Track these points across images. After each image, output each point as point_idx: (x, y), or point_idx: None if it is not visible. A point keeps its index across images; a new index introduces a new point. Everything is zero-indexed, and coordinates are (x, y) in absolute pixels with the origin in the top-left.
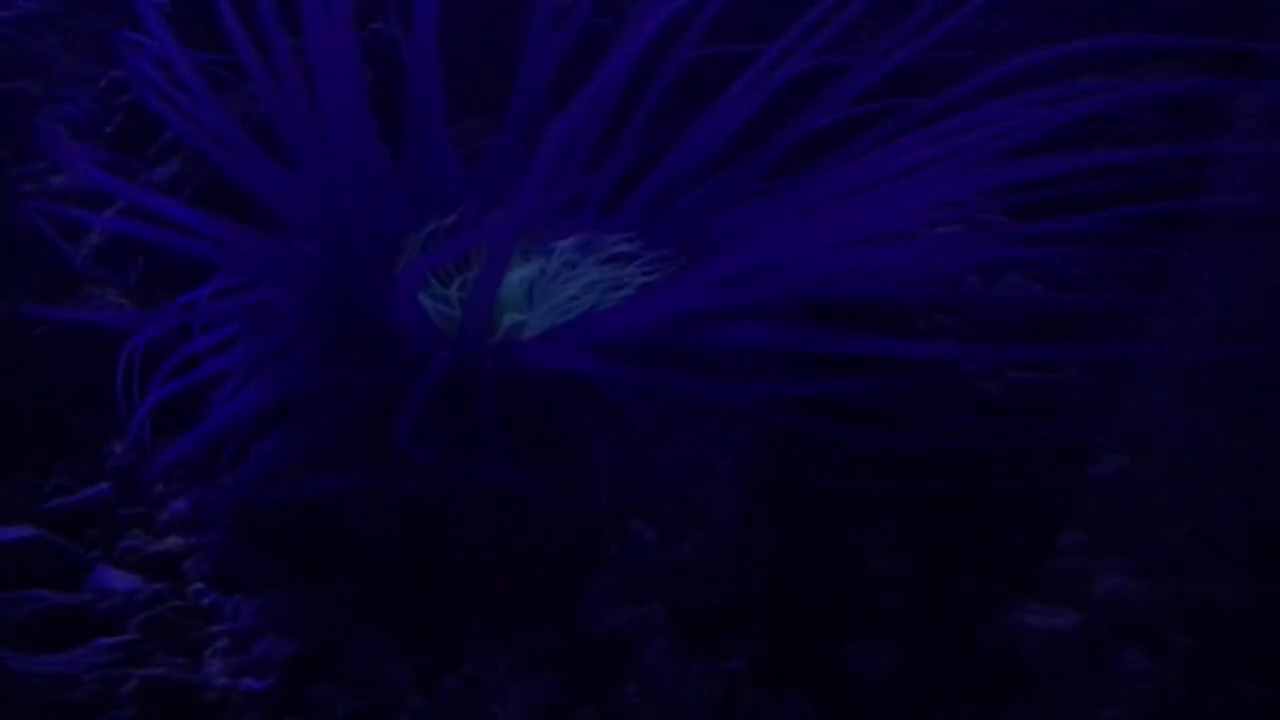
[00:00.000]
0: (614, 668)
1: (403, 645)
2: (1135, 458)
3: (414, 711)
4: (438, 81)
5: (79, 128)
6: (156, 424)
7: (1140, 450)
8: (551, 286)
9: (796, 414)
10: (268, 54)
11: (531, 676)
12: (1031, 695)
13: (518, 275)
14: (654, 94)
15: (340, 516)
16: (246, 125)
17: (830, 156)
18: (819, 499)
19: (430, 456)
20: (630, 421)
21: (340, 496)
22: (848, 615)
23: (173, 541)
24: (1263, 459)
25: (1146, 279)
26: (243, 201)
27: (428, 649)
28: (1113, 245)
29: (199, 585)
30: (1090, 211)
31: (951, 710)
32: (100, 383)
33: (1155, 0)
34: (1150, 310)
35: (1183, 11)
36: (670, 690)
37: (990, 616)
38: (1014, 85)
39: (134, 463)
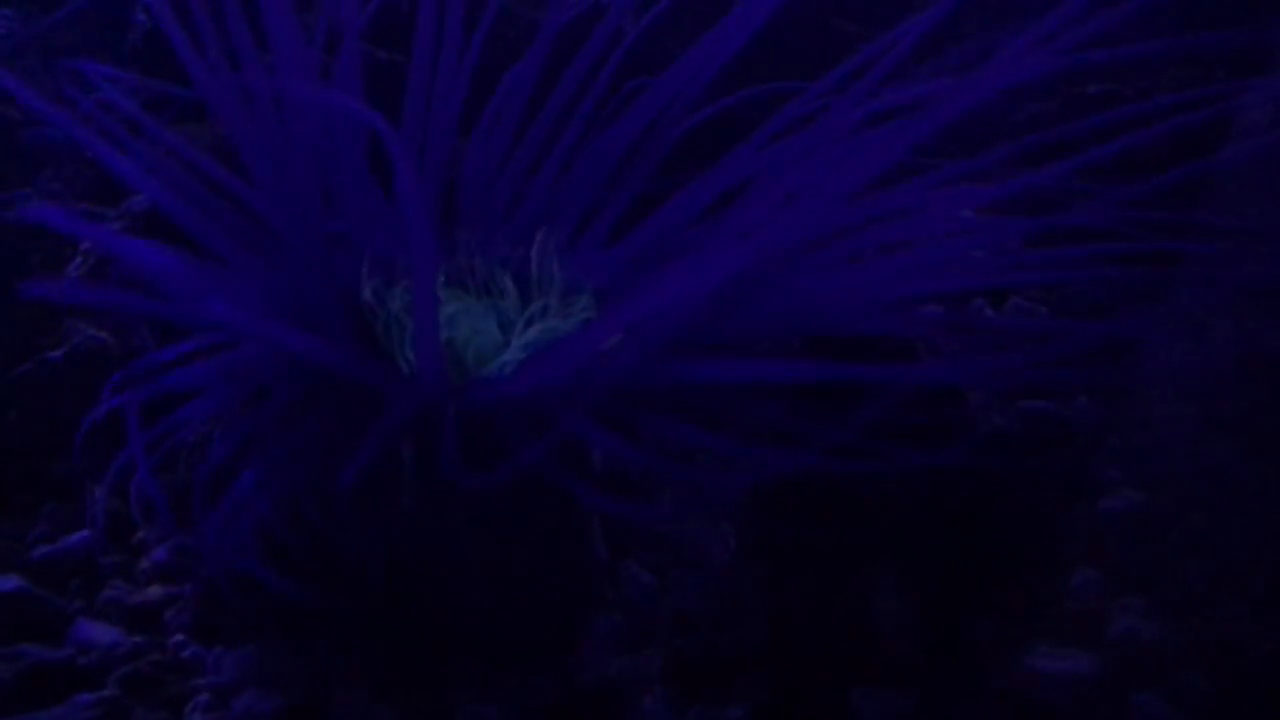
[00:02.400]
0: (610, 718)
1: (389, 696)
2: (1148, 490)
3: None
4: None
5: (60, 152)
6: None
7: (1153, 482)
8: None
9: (795, 453)
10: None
11: None
12: None
13: (479, 313)
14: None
15: (322, 562)
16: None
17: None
18: (820, 538)
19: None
20: (618, 463)
21: (319, 543)
22: (851, 660)
23: (154, 591)
24: (1274, 490)
25: (1156, 301)
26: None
27: (415, 700)
28: (1122, 263)
29: (180, 636)
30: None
31: None
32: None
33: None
34: (1161, 335)
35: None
36: None
37: (1000, 659)
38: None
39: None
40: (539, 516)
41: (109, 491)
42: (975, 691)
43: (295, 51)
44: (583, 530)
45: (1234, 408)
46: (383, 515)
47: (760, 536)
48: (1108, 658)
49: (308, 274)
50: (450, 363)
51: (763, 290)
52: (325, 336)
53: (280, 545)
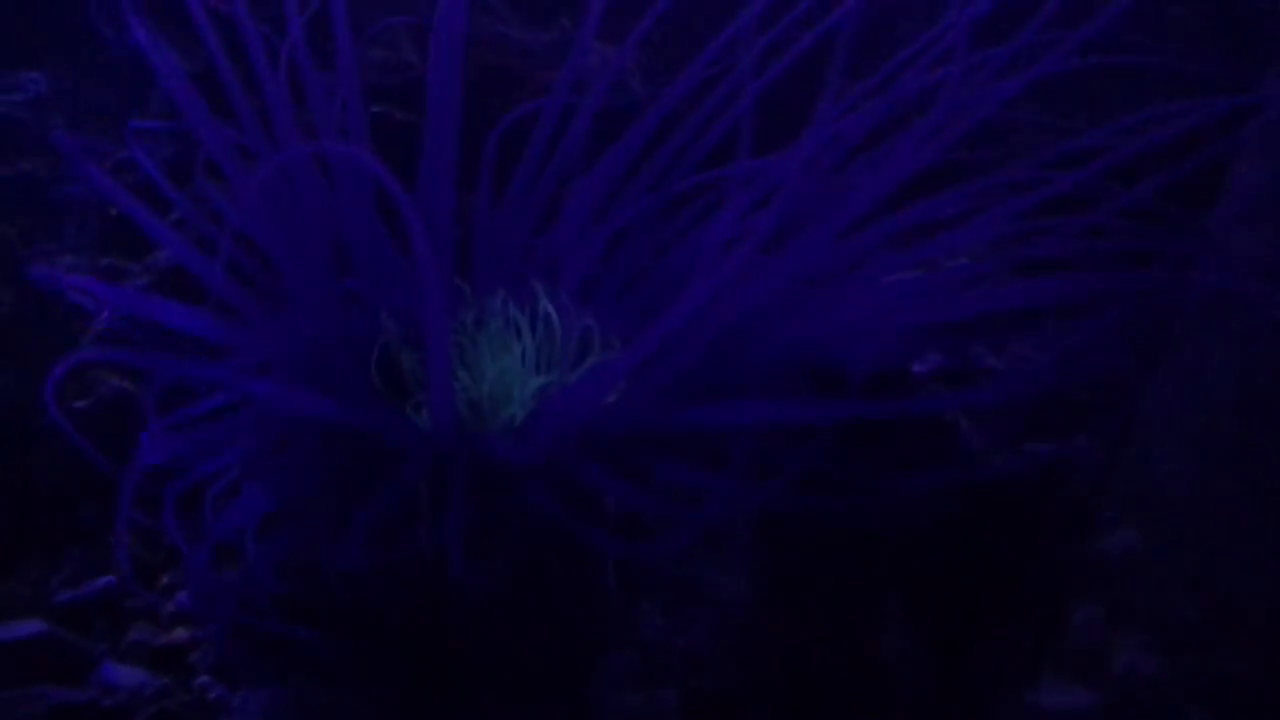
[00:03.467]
0: None
1: None
2: (1147, 527)
3: None
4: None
5: (85, 208)
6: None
7: (1152, 519)
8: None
9: (801, 493)
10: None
11: None
12: None
13: (497, 364)
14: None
15: (343, 604)
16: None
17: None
18: (828, 577)
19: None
20: (630, 506)
21: (341, 587)
22: (860, 697)
23: (179, 634)
24: (1274, 526)
25: (1153, 340)
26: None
27: None
28: (1120, 301)
29: (205, 678)
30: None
31: None
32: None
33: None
34: (1157, 376)
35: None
36: None
37: (1004, 695)
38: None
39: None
40: (553, 558)
41: (134, 537)
42: None
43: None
44: (596, 571)
45: (1230, 448)
46: (402, 560)
47: (770, 574)
48: (1110, 693)
49: (326, 331)
50: (467, 407)
51: (763, 326)
52: (342, 392)
53: (300, 592)
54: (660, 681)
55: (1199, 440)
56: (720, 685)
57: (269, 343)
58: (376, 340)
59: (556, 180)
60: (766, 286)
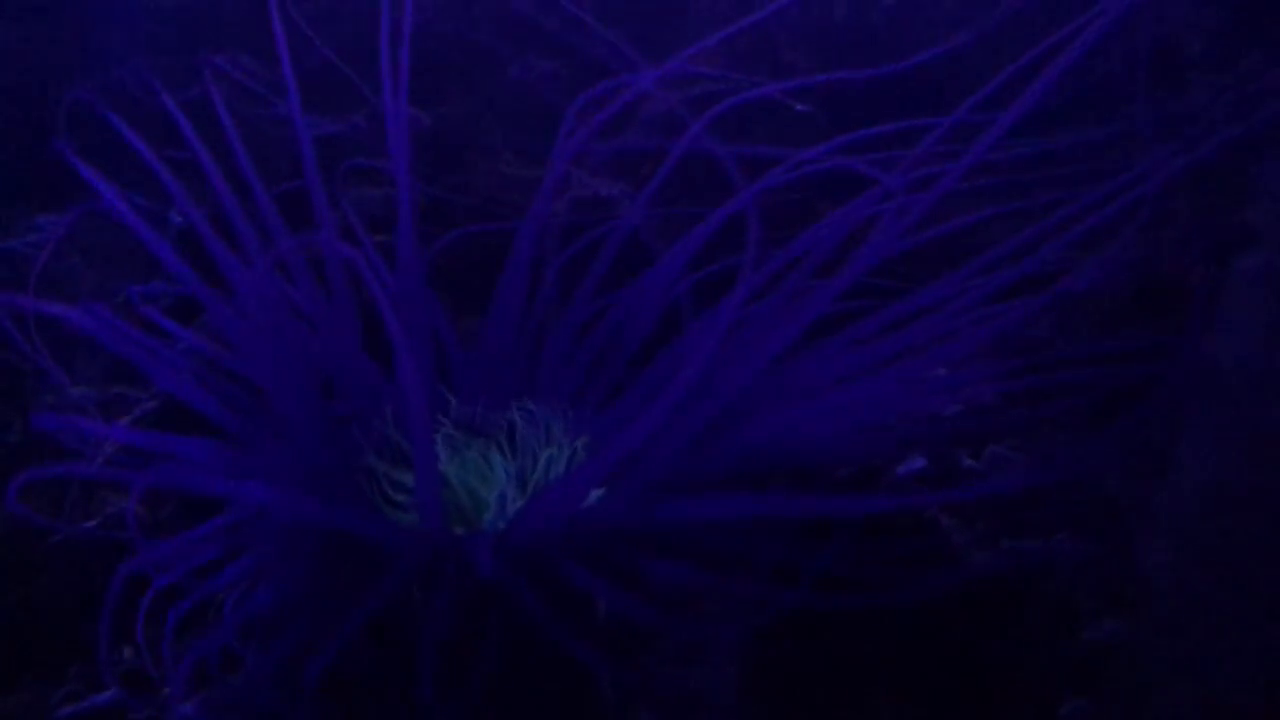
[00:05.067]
0: None
1: None
2: (1128, 618)
3: None
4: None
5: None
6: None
7: (1132, 611)
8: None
9: (786, 589)
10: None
11: None
12: None
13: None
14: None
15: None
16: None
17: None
18: (818, 673)
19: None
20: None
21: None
22: None
23: None
24: (1254, 616)
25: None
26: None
27: None
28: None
29: None
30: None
31: None
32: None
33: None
34: (1136, 474)
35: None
36: None
37: None
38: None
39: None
40: (544, 663)
41: (135, 651)
42: None
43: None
44: (588, 678)
45: (1206, 540)
46: (397, 660)
47: (760, 674)
48: None
49: (318, 452)
50: (453, 514)
51: (737, 429)
52: (336, 506)
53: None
54: None
55: (1173, 533)
56: None
57: (265, 465)
58: (363, 458)
59: (542, 305)
60: (727, 394)
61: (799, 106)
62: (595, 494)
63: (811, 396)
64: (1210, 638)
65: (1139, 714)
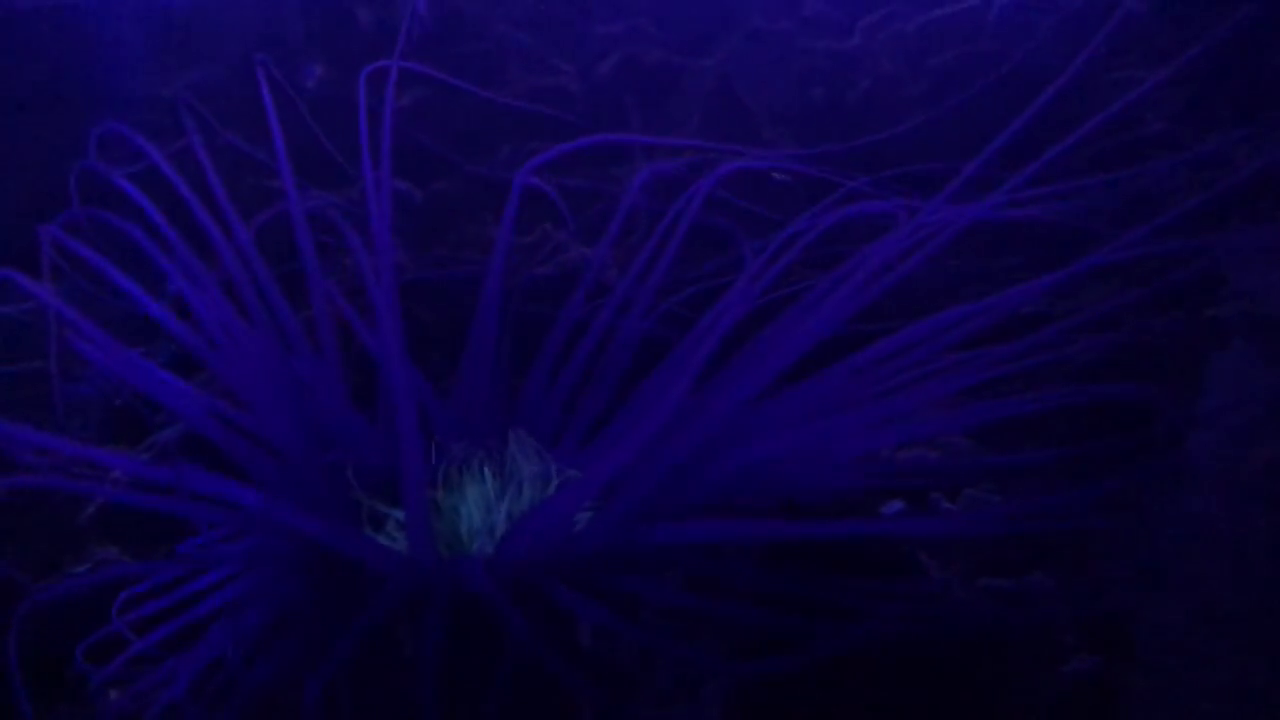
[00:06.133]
0: None
1: None
2: (1106, 655)
3: None
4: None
5: (88, 403)
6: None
7: (1110, 647)
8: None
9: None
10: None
11: None
12: None
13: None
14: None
15: None
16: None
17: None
18: (801, 706)
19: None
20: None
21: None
22: None
23: None
24: (1226, 651)
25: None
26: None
27: None
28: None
29: None
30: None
31: None
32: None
33: None
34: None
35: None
36: None
37: None
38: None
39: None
40: (530, 687)
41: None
42: None
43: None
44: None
45: (1175, 574)
46: (385, 685)
47: (743, 708)
48: None
49: (313, 489)
50: (442, 542)
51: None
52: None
53: None
54: None
55: (1141, 567)
56: None
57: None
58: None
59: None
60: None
61: (778, 176)
62: (581, 519)
63: (787, 432)
64: (1183, 674)
65: None
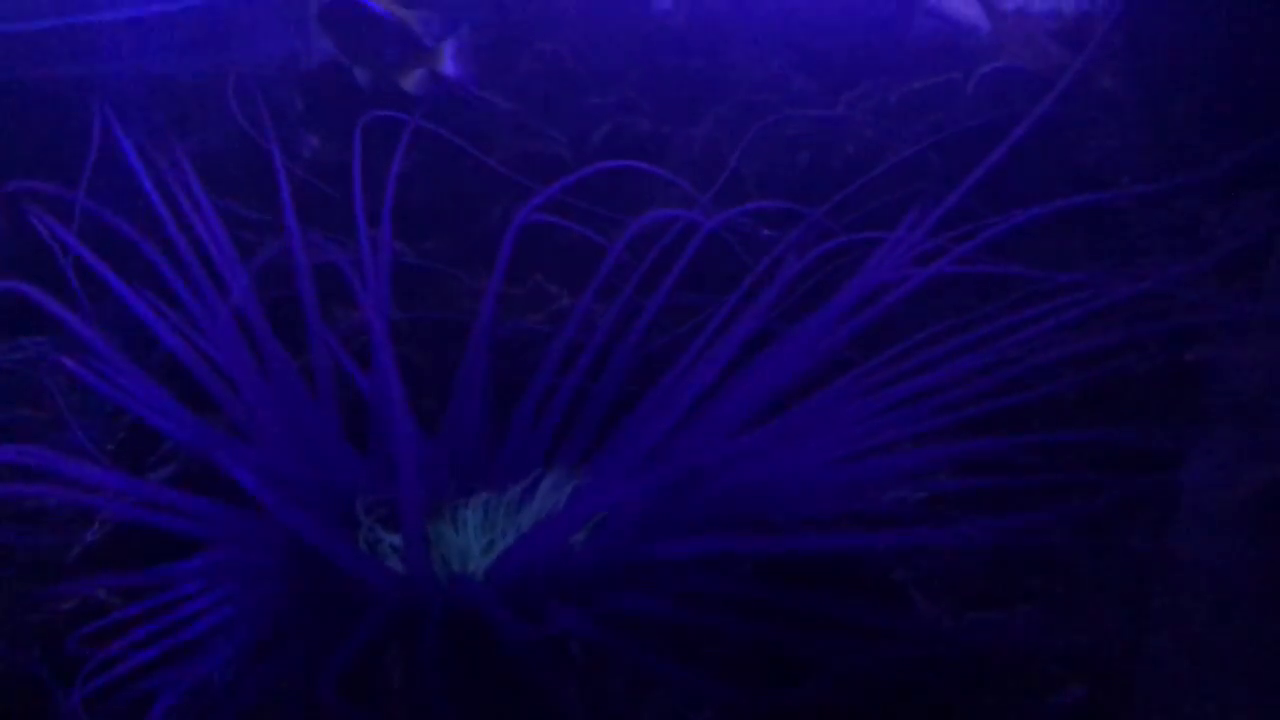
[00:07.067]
0: None
1: None
2: (1093, 686)
3: None
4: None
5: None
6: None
7: (1098, 678)
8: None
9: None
10: None
11: None
12: None
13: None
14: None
15: None
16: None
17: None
18: None
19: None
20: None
21: None
22: None
23: None
24: (1213, 682)
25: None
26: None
27: None
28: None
29: None
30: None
31: None
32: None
33: None
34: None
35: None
36: None
37: None
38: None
39: None
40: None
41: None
42: None
43: None
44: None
45: (1162, 605)
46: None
47: None
48: None
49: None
50: (438, 561)
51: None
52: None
53: None
54: None
55: (1126, 601)
56: None
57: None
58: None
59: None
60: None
61: (764, 231)
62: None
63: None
64: (1176, 704)
65: None
